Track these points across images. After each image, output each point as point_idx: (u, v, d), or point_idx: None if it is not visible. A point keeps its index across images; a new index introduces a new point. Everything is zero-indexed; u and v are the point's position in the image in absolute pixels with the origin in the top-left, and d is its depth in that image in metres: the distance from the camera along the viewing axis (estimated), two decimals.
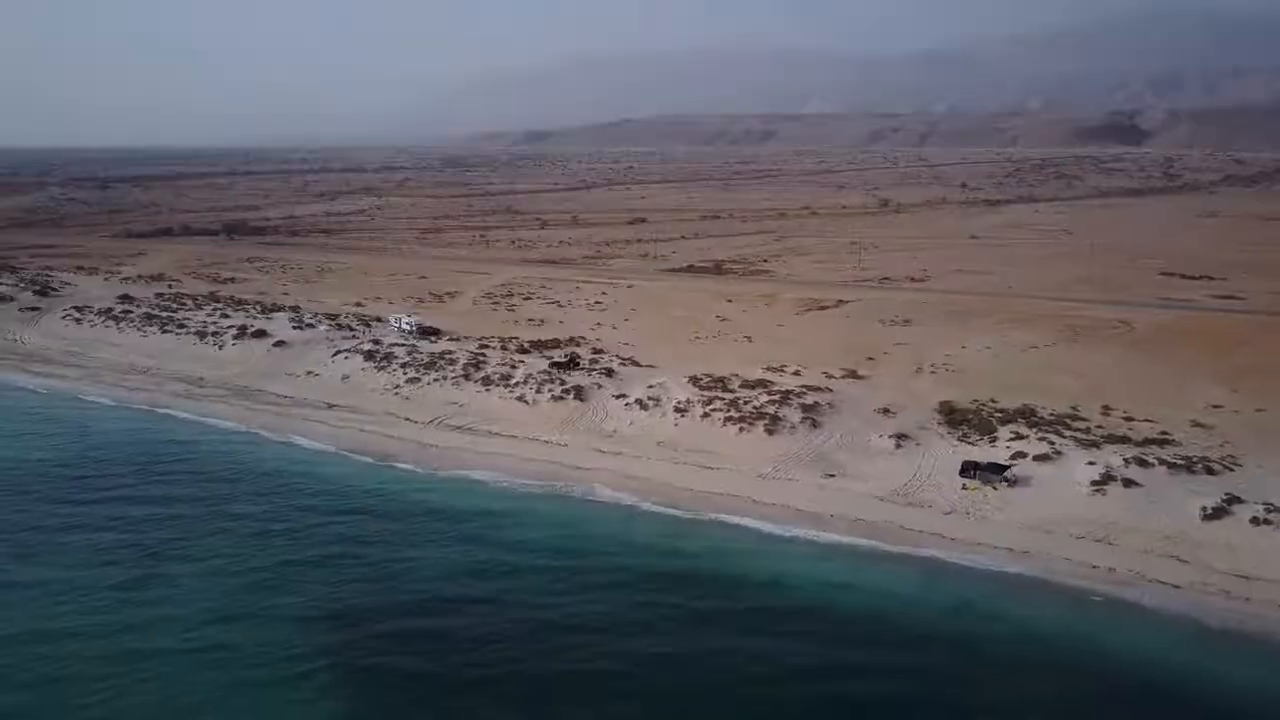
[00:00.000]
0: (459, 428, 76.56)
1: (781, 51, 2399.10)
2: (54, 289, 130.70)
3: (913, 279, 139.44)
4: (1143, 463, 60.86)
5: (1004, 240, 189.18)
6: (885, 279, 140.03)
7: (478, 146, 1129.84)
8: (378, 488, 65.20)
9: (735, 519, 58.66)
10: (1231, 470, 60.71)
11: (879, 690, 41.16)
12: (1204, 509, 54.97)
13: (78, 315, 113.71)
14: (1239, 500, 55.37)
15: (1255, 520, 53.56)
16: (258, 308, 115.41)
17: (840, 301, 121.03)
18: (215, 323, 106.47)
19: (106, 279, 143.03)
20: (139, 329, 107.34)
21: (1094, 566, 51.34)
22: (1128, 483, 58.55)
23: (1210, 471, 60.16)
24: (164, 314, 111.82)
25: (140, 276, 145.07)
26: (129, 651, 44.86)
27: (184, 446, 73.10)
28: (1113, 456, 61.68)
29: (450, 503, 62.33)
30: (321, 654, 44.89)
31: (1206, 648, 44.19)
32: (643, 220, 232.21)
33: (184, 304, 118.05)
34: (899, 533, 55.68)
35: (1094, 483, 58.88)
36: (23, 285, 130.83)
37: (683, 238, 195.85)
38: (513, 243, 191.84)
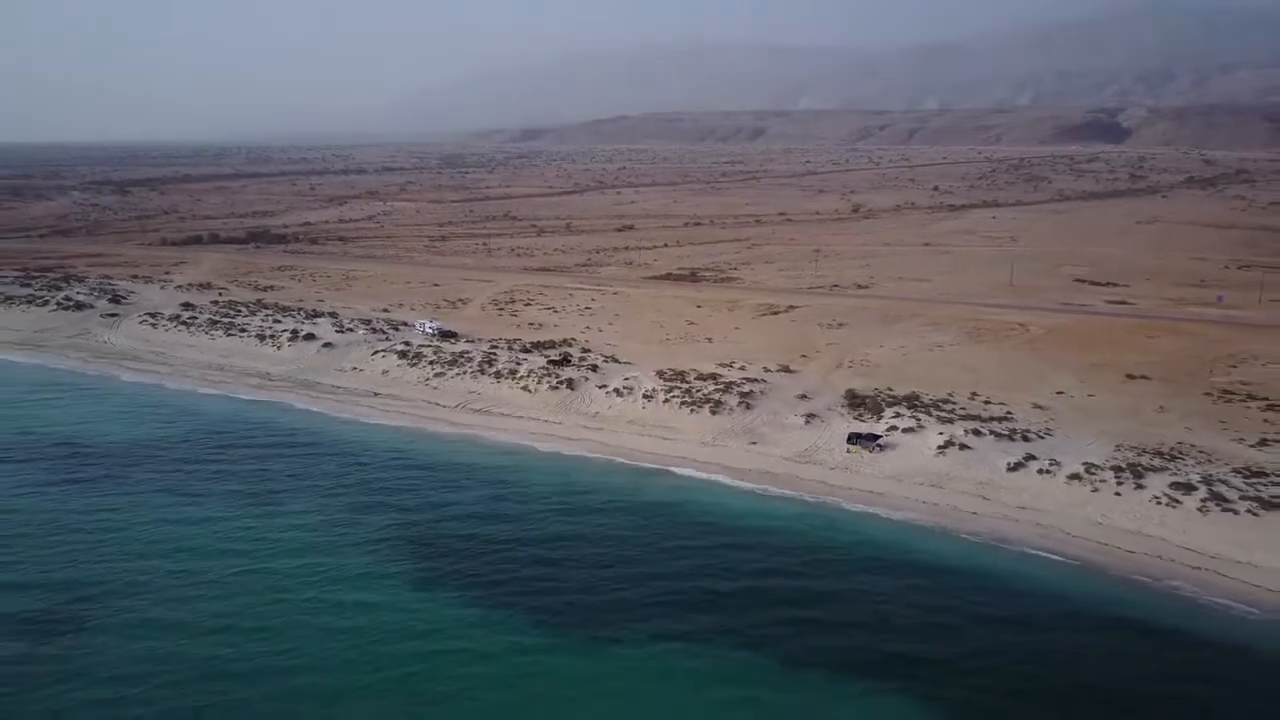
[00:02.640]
0: (477, 410, 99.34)
1: (777, 46, 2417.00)
2: (122, 296, 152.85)
3: (858, 286, 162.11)
4: (978, 433, 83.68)
5: (951, 247, 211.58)
6: (835, 286, 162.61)
7: (473, 144, 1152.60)
8: (421, 450, 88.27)
9: (680, 471, 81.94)
10: (1042, 439, 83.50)
11: (754, 577, 63.71)
12: (1009, 464, 77.90)
13: (152, 321, 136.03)
14: (1034, 458, 78.26)
15: (1041, 471, 76.49)
16: (301, 314, 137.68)
17: (791, 307, 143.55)
18: (270, 327, 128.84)
19: (162, 287, 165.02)
20: (206, 333, 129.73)
21: (923, 502, 74.29)
22: (963, 447, 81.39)
23: (1026, 439, 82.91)
24: (225, 320, 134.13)
25: (190, 285, 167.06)
26: (268, 544, 68.66)
27: (269, 423, 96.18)
28: (958, 429, 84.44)
29: (474, 460, 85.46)
30: (392, 543, 68.52)
31: (977, 549, 67.10)
32: (631, 227, 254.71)
33: (239, 311, 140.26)
34: (794, 480, 78.73)
35: (939, 447, 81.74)
36: (96, 294, 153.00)
37: (665, 245, 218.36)
38: (512, 250, 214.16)
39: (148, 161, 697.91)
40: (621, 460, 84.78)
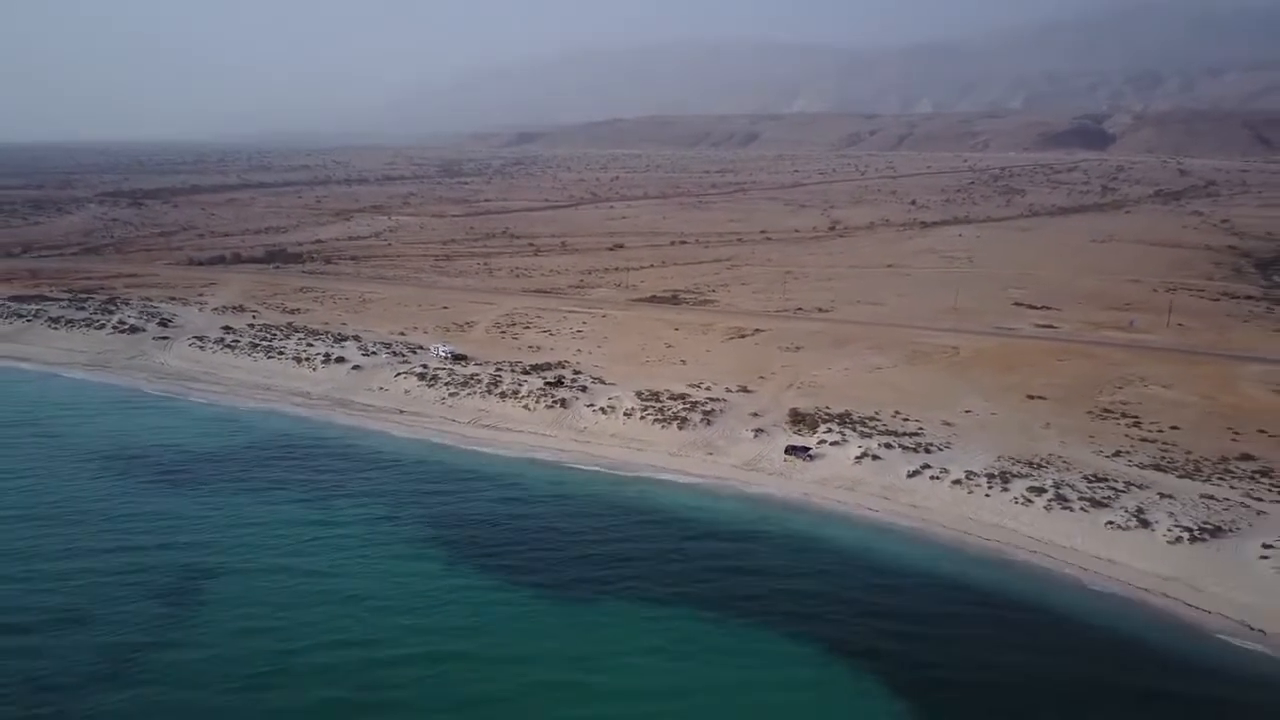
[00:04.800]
0: (486, 426, 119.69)
1: (774, 45, 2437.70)
2: (169, 320, 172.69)
3: (820, 309, 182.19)
4: (889, 446, 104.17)
5: (912, 269, 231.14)
6: (800, 309, 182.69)
7: (470, 147, 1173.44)
8: (441, 459, 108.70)
9: (651, 476, 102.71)
10: (941, 450, 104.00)
11: (700, 553, 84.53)
12: (909, 471, 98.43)
13: (200, 344, 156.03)
14: (929, 466, 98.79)
15: (933, 477, 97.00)
16: (330, 338, 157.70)
17: (757, 330, 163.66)
18: (304, 350, 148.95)
19: (199, 309, 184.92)
20: (249, 355, 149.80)
21: (838, 500, 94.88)
22: (875, 457, 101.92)
23: (928, 451, 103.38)
24: (263, 343, 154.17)
25: (224, 307, 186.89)
26: (333, 525, 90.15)
27: (316, 435, 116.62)
28: (874, 442, 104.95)
29: (485, 467, 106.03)
30: (424, 536, 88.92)
31: (873, 534, 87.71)
32: (621, 246, 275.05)
33: (274, 334, 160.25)
34: (740, 483, 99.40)
35: (856, 458, 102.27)
36: (145, 317, 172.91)
37: (652, 265, 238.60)
38: (512, 271, 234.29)
39: (153, 167, 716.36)
40: (604, 467, 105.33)
